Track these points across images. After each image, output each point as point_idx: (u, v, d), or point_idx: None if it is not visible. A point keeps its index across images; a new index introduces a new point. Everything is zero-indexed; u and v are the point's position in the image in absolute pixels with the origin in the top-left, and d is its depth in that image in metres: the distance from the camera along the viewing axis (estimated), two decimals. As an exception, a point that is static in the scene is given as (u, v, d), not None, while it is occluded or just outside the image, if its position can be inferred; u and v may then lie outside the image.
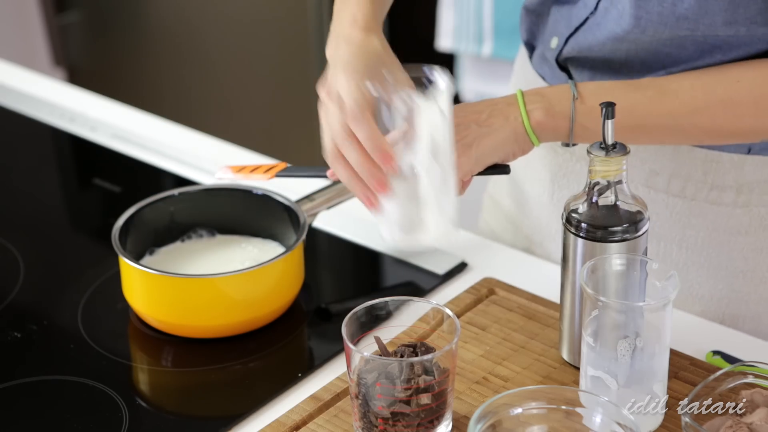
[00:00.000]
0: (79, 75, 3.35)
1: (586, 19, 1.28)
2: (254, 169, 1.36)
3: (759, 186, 1.30)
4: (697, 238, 1.33)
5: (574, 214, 1.13)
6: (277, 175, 1.34)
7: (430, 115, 1.14)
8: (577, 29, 1.29)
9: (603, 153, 1.11)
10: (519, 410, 1.06)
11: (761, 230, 1.32)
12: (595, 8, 1.27)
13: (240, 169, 1.37)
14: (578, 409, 1.05)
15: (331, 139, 1.16)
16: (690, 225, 1.33)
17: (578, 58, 1.31)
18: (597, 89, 1.22)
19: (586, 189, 1.13)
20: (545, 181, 1.43)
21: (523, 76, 1.45)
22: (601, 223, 1.12)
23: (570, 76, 1.33)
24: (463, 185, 1.20)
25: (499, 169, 1.23)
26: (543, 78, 1.38)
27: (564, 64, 1.34)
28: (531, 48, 1.42)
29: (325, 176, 1.27)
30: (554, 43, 1.33)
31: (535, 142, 1.22)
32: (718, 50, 1.22)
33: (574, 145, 1.22)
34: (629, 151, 1.11)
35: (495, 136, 1.21)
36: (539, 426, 1.06)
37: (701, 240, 1.33)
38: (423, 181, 1.14)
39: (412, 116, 1.14)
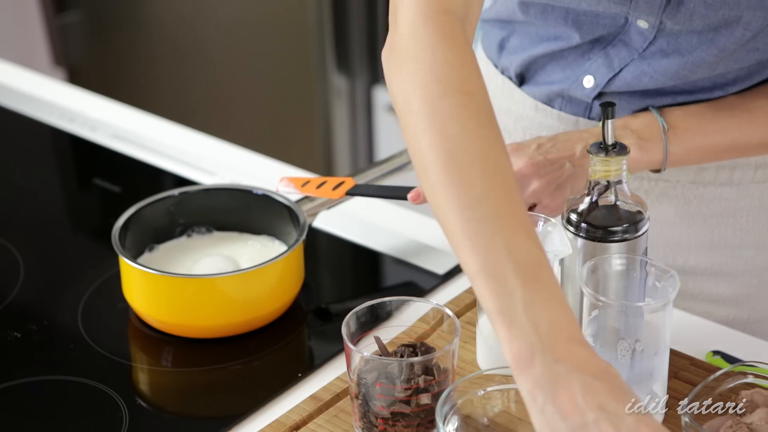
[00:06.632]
0: (79, 75, 3.35)
1: (632, 59, 1.26)
2: (320, 184, 1.34)
3: None
4: (748, 218, 1.34)
5: (574, 214, 1.13)
6: (348, 194, 1.32)
7: None
8: (621, 69, 1.27)
9: (603, 153, 1.11)
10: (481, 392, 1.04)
11: None
12: (644, 50, 1.25)
13: (304, 183, 1.34)
14: None
15: None
16: (739, 207, 1.34)
17: (618, 92, 1.29)
18: (684, 115, 1.22)
19: (586, 189, 1.13)
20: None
21: (506, 105, 1.39)
22: (601, 223, 1.12)
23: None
24: None
25: None
26: (552, 107, 1.34)
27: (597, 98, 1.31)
28: (521, 79, 1.37)
29: (405, 198, 1.26)
30: (589, 82, 1.30)
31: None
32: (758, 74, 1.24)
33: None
34: (629, 151, 1.11)
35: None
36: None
37: (752, 219, 1.34)
38: None
39: None
